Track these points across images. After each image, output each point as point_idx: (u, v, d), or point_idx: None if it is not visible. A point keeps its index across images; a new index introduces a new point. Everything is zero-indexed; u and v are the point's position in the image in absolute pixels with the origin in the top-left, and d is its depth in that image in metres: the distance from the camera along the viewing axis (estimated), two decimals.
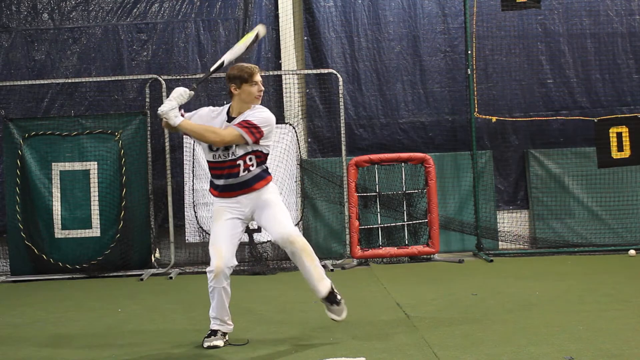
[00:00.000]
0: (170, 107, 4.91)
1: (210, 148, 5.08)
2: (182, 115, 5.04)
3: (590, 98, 9.93)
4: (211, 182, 5.23)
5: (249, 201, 5.10)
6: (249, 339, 5.22)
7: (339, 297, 5.19)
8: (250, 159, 5.06)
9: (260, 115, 5.04)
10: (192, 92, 5.02)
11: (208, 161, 5.18)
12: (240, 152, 5.03)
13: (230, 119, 5.08)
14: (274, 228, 5.05)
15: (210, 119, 5.12)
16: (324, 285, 5.12)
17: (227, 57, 5.23)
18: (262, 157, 5.13)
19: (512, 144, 9.95)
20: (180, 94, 4.95)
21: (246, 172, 5.06)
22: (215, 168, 5.12)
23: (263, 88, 5.13)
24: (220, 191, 5.14)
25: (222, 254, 5.06)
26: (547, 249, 9.49)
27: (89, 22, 9.81)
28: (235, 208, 5.12)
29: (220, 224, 5.12)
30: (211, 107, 5.26)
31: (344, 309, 5.22)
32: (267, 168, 5.20)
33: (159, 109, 4.95)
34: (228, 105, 5.19)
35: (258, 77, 5.06)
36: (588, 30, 9.94)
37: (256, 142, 5.01)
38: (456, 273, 8.17)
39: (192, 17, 9.85)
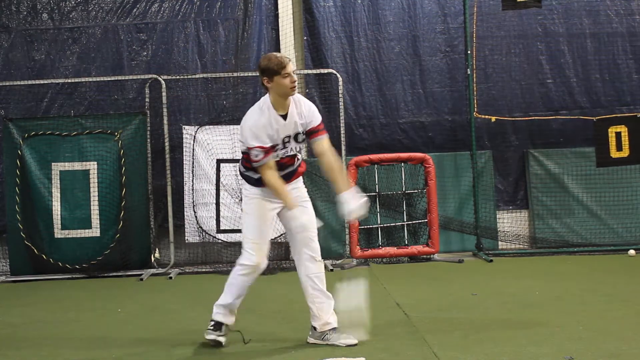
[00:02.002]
0: (355, 207, 4.93)
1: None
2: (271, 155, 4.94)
3: (590, 98, 9.93)
4: (252, 177, 5.05)
5: (290, 188, 5.09)
6: (249, 338, 5.21)
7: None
8: (300, 148, 5.14)
9: (314, 109, 5.05)
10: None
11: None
12: (299, 146, 5.05)
13: (284, 117, 4.91)
14: (312, 239, 5.09)
15: (272, 129, 4.88)
16: (334, 318, 5.11)
17: None
18: None
19: (511, 144, 9.95)
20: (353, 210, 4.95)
21: (298, 160, 5.14)
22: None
23: (296, 79, 4.94)
24: (262, 183, 5.01)
25: (264, 250, 5.03)
26: (547, 249, 9.49)
27: (88, 22, 9.81)
28: (277, 199, 5.03)
29: (262, 220, 5.04)
30: (256, 117, 4.88)
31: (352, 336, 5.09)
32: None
33: (361, 212, 4.97)
34: (266, 102, 4.93)
35: (290, 68, 4.85)
36: (588, 30, 9.95)
37: None
38: (456, 273, 8.17)
39: (192, 17, 9.85)
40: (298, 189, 5.16)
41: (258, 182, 5.03)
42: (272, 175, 4.91)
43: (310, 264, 5.08)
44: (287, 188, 5.01)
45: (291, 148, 5.02)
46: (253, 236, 5.03)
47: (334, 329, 5.07)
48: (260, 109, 4.95)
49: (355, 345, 4.96)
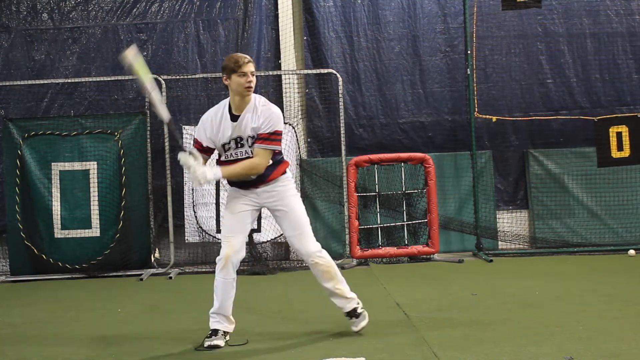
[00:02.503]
0: (206, 173, 4.81)
1: (223, 148, 5.06)
2: (197, 151, 5.02)
3: (590, 98, 9.93)
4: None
5: (265, 191, 5.12)
6: (248, 339, 5.21)
7: (359, 310, 5.28)
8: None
9: (271, 117, 4.98)
10: (195, 151, 4.95)
11: (220, 160, 5.14)
12: (241, 152, 5.06)
13: (233, 117, 5.01)
14: (297, 243, 5.14)
15: (217, 128, 5.02)
16: (347, 304, 5.25)
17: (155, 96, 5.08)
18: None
19: (512, 144, 9.95)
20: (188, 155, 4.85)
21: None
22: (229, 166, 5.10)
23: (252, 79, 4.95)
24: (235, 183, 5.14)
25: (233, 243, 5.08)
26: (547, 249, 9.49)
27: (88, 22, 9.81)
28: (251, 198, 5.12)
29: (232, 215, 5.12)
30: (209, 115, 5.12)
31: (364, 319, 5.29)
32: (281, 152, 5.18)
33: (201, 179, 4.81)
34: (226, 101, 5.10)
35: (248, 68, 4.92)
36: (588, 30, 9.95)
37: (280, 143, 5.07)
38: (456, 273, 8.17)
39: (192, 17, 9.85)
40: (277, 192, 5.12)
41: (230, 182, 5.20)
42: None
43: (310, 266, 5.19)
44: (260, 189, 5.09)
45: (246, 151, 5.02)
46: (223, 231, 5.20)
47: (346, 313, 5.26)
48: (217, 107, 5.13)
49: (361, 328, 5.21)
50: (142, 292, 7.70)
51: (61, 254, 8.81)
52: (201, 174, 4.82)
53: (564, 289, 6.83)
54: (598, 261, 8.66)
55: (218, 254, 5.15)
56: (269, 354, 4.88)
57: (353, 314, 5.26)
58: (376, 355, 4.67)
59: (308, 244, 5.13)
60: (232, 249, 5.06)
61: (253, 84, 4.96)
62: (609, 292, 6.57)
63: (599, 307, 5.92)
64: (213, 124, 5.05)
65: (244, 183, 5.10)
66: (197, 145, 5.08)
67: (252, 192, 5.11)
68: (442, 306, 6.26)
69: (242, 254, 5.16)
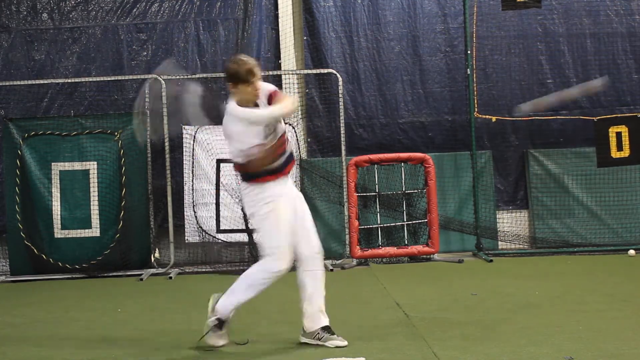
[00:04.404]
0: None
1: (265, 134, 4.79)
2: None
3: (590, 98, 9.91)
4: (260, 173, 4.82)
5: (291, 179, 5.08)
6: (248, 338, 5.21)
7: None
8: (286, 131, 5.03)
9: (267, 86, 4.92)
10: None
11: (261, 149, 4.76)
12: (282, 127, 4.89)
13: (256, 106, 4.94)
14: (307, 241, 4.96)
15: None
16: (325, 317, 5.01)
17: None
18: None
19: (511, 144, 9.94)
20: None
21: (289, 143, 5.01)
22: (272, 151, 4.80)
23: (260, 87, 4.84)
24: (276, 172, 4.85)
25: (288, 256, 4.86)
26: (547, 249, 9.49)
27: (88, 22, 9.81)
28: (290, 189, 4.99)
29: (283, 219, 4.86)
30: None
31: (341, 340, 4.95)
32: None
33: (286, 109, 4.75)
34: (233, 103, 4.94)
35: (259, 74, 4.81)
36: (588, 30, 9.95)
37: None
38: (456, 273, 8.17)
39: (192, 17, 9.85)
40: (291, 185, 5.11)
41: (272, 172, 4.86)
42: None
43: (310, 261, 4.99)
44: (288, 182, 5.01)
45: (280, 128, 4.87)
46: (278, 239, 4.86)
47: (321, 329, 4.98)
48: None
49: (345, 346, 4.89)
50: (142, 292, 7.71)
51: (61, 254, 8.81)
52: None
53: (564, 289, 6.83)
54: (598, 261, 8.66)
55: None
56: (269, 354, 4.88)
57: (328, 330, 4.98)
58: (376, 355, 4.67)
59: (319, 245, 5.06)
60: (288, 264, 4.85)
61: (259, 91, 4.85)
62: (609, 292, 6.57)
63: (599, 307, 5.92)
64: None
65: (284, 166, 4.90)
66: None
67: (288, 182, 4.98)
68: (442, 306, 6.26)
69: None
